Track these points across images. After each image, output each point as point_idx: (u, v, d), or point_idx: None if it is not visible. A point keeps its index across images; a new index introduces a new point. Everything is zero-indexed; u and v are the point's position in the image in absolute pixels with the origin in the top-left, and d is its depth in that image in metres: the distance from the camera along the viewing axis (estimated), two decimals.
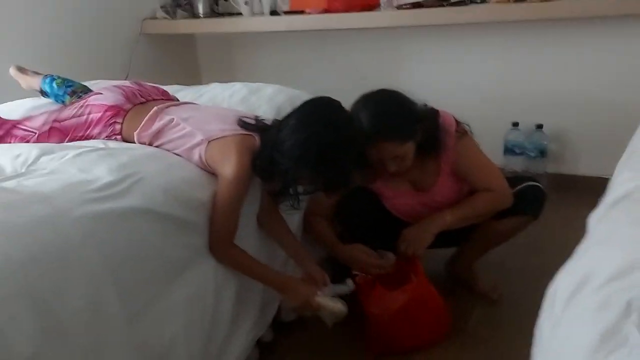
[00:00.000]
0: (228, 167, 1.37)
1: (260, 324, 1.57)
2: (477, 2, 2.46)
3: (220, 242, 1.40)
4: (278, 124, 1.45)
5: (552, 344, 0.67)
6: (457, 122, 1.65)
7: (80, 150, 1.39)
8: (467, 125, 1.67)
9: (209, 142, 1.42)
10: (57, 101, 1.87)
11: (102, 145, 1.47)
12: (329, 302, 1.46)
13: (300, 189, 1.45)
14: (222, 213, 1.38)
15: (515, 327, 1.67)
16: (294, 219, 1.68)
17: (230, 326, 1.43)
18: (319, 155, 1.36)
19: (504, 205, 1.66)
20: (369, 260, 1.62)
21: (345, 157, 1.40)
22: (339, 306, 1.45)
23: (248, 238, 1.49)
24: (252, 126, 1.46)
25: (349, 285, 1.59)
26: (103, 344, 1.07)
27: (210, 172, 1.45)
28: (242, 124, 1.46)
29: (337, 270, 1.67)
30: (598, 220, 0.91)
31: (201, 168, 1.45)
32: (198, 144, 1.43)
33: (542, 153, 2.60)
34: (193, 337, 1.30)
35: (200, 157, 1.43)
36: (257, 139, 1.44)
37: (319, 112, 1.44)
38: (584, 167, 2.61)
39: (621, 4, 2.17)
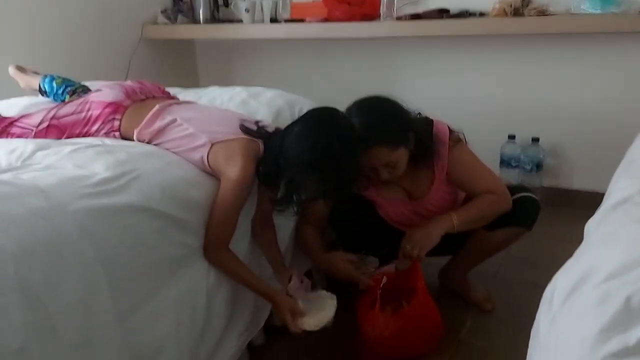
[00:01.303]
0: (233, 170, 1.38)
1: (252, 327, 1.56)
2: (475, 15, 2.49)
3: (216, 244, 1.39)
4: (281, 132, 1.46)
5: (550, 339, 0.67)
6: (451, 131, 1.65)
7: (77, 146, 1.38)
8: (461, 133, 1.68)
9: (213, 144, 1.42)
10: (56, 100, 1.87)
11: (99, 142, 1.47)
12: (308, 320, 1.43)
13: (303, 195, 1.44)
14: (222, 215, 1.38)
15: (508, 338, 1.67)
16: (288, 227, 1.68)
17: (222, 328, 1.42)
18: (326, 161, 1.37)
19: (506, 208, 1.64)
20: (349, 271, 1.58)
21: (350, 163, 1.41)
22: (318, 320, 1.43)
23: (241, 241, 1.49)
24: (255, 132, 1.46)
25: (371, 262, 1.59)
26: (93, 340, 1.06)
27: (209, 174, 1.45)
28: (245, 129, 1.46)
29: (331, 281, 1.67)
30: (597, 224, 0.92)
31: (200, 169, 1.45)
32: (201, 145, 1.43)
33: (538, 166, 2.62)
34: (184, 338, 1.29)
35: (202, 158, 1.43)
36: (261, 146, 1.44)
37: (324, 119, 1.45)
38: (579, 182, 2.63)
39: (618, 20, 2.20)
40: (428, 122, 1.64)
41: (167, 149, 1.49)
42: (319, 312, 1.45)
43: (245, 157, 1.39)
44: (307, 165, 1.36)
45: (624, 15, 2.20)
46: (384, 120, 1.51)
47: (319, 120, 1.44)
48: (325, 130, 1.39)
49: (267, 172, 1.42)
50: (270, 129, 1.52)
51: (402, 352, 1.57)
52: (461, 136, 1.67)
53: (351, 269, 1.58)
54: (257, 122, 1.53)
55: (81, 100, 1.65)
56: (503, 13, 2.39)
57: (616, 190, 1.01)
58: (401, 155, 1.53)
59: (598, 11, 2.24)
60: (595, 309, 0.63)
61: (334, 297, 1.48)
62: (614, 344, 0.57)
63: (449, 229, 1.57)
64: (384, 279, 1.59)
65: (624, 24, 2.21)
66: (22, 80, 2.05)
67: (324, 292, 1.51)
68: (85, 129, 1.60)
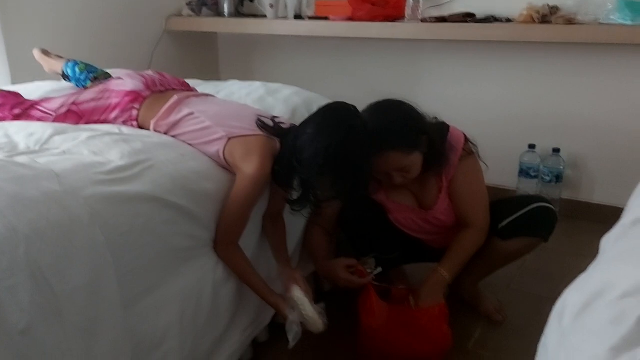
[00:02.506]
0: (250, 166, 1.37)
1: (257, 324, 1.56)
2: (502, 21, 2.46)
3: (226, 239, 1.39)
4: (295, 130, 1.45)
5: (560, 355, 0.65)
6: (466, 140, 1.62)
7: (94, 133, 1.39)
8: (475, 145, 1.64)
9: (230, 139, 1.42)
10: (78, 86, 1.89)
11: (116, 130, 1.48)
12: (310, 317, 1.42)
13: (319, 196, 1.43)
14: (234, 211, 1.38)
15: (518, 351, 1.64)
16: (298, 227, 1.68)
17: (227, 322, 1.42)
18: (340, 163, 1.36)
19: (485, 238, 1.64)
20: (348, 278, 1.57)
21: (363, 164, 1.40)
22: (314, 325, 1.43)
23: (250, 237, 1.49)
24: (271, 129, 1.46)
25: (370, 263, 1.59)
26: (97, 325, 1.06)
27: (224, 168, 1.45)
28: (262, 124, 1.46)
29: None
30: (614, 240, 0.89)
31: (215, 162, 1.45)
32: (218, 139, 1.43)
33: (558, 178, 2.57)
34: (187, 329, 1.29)
35: (218, 152, 1.43)
36: (278, 143, 1.44)
37: (336, 118, 1.43)
38: (600, 196, 2.57)
39: None
40: (444, 128, 1.62)
41: (183, 141, 1.49)
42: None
43: (263, 155, 1.39)
44: (321, 167, 1.35)
45: None
46: (399, 125, 1.49)
47: (333, 120, 1.42)
48: (338, 131, 1.38)
49: (281, 171, 1.41)
50: (286, 126, 1.51)
51: (404, 352, 1.54)
52: (474, 149, 1.63)
53: (350, 276, 1.57)
54: (273, 118, 1.52)
55: (101, 87, 1.67)
56: (530, 20, 2.36)
57: (637, 207, 0.98)
58: (415, 159, 1.51)
59: (629, 22, 2.19)
60: (607, 327, 0.61)
61: (324, 314, 1.45)
62: None
63: (446, 284, 1.61)
64: (379, 269, 1.60)
65: None
66: (47, 64, 2.07)
67: (319, 307, 1.47)
68: (104, 117, 1.61)
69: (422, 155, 1.53)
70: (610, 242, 0.92)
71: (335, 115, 1.45)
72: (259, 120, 1.47)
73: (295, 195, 1.45)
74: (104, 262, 1.09)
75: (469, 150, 1.62)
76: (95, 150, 1.30)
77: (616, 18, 2.23)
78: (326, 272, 1.64)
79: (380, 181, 1.61)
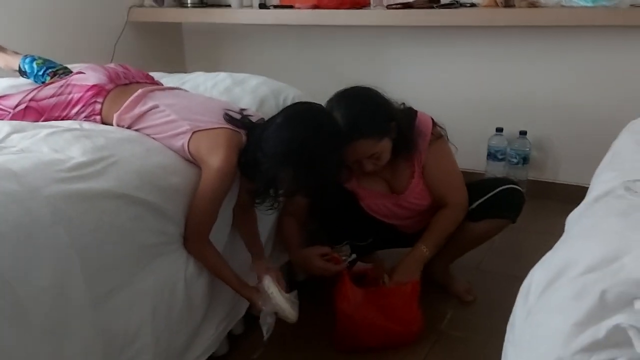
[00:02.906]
0: (215, 159, 1.35)
1: (231, 316, 1.55)
2: (466, 6, 2.47)
3: (196, 235, 1.37)
4: (264, 124, 1.44)
5: (525, 332, 0.66)
6: (434, 125, 1.63)
7: (54, 129, 1.35)
8: (443, 129, 1.66)
9: (194, 132, 1.40)
10: (36, 82, 1.83)
11: (77, 126, 1.43)
12: (283, 307, 1.42)
13: (280, 190, 1.43)
14: (203, 205, 1.36)
15: (489, 330, 1.67)
16: (269, 218, 1.66)
17: (201, 317, 1.41)
18: (302, 156, 1.35)
19: (464, 214, 1.67)
20: (323, 265, 1.58)
21: (327, 161, 1.39)
22: (286, 314, 1.43)
23: (221, 231, 1.47)
24: (239, 122, 1.44)
25: (344, 250, 1.60)
26: (65, 327, 1.04)
27: (190, 162, 1.42)
28: (229, 118, 1.44)
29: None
30: (578, 217, 0.91)
31: (181, 156, 1.43)
32: (183, 133, 1.41)
33: (525, 160, 2.62)
34: (160, 325, 1.27)
35: (183, 145, 1.41)
36: (244, 136, 1.42)
37: (305, 114, 1.44)
38: (565, 175, 2.63)
39: (610, 14, 2.19)
40: (412, 114, 1.62)
41: (148, 135, 1.46)
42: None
43: (228, 148, 1.37)
44: (282, 160, 1.35)
45: (616, 8, 2.18)
46: (367, 113, 1.49)
47: (300, 115, 1.43)
48: (303, 126, 1.38)
49: (246, 163, 1.40)
50: (255, 118, 1.50)
51: (378, 334, 1.56)
52: (443, 132, 1.65)
53: (325, 263, 1.58)
54: (241, 111, 1.50)
55: (62, 82, 1.61)
56: (494, 4, 2.38)
57: (599, 184, 1.01)
58: (385, 146, 1.52)
59: (590, 4, 2.23)
60: (570, 303, 0.63)
61: (296, 302, 1.45)
62: (585, 337, 0.56)
63: (425, 261, 1.62)
64: (353, 256, 1.62)
65: (616, 17, 2.20)
66: (2, 60, 1.99)
67: (291, 297, 1.47)
68: (65, 112, 1.57)
69: (392, 142, 1.54)
70: (573, 219, 0.94)
71: (303, 112, 1.45)
72: (226, 113, 1.45)
73: (257, 187, 1.44)
74: (69, 262, 1.06)
75: (437, 134, 1.64)
76: (56, 147, 1.26)
77: (578, 0, 2.26)
78: (301, 261, 1.64)
79: (351, 169, 1.61)
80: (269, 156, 1.36)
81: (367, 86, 1.56)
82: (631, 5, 2.20)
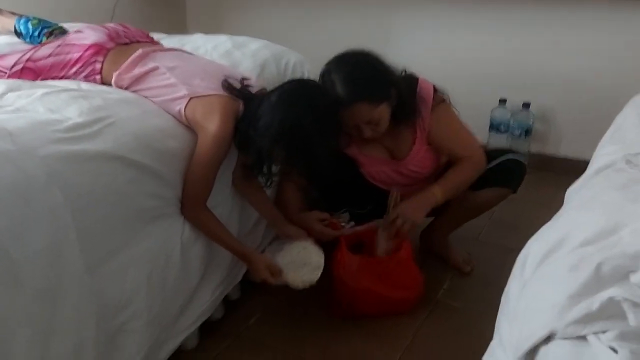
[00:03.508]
0: (212, 125, 1.34)
1: (228, 281, 1.56)
2: None
3: (193, 201, 1.37)
4: (261, 97, 1.41)
5: (520, 304, 0.66)
6: (435, 90, 1.61)
7: (51, 89, 1.32)
8: (446, 94, 1.63)
9: (191, 98, 1.37)
10: (32, 42, 1.79)
11: (74, 86, 1.41)
12: (292, 276, 1.44)
13: (273, 168, 1.42)
14: (199, 171, 1.35)
15: (486, 301, 1.66)
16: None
17: (196, 282, 1.41)
18: (294, 138, 1.34)
19: (482, 171, 1.64)
20: (323, 230, 1.59)
21: (321, 143, 1.36)
22: (300, 279, 1.45)
23: (220, 206, 1.47)
24: (237, 91, 1.41)
25: (343, 217, 1.62)
26: (59, 289, 1.03)
27: (187, 126, 1.40)
28: (228, 85, 1.41)
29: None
30: (577, 190, 0.90)
31: (178, 120, 1.41)
32: (180, 97, 1.38)
33: (527, 132, 2.59)
34: (156, 290, 1.27)
35: (179, 110, 1.39)
36: (241, 106, 1.40)
37: (300, 94, 1.41)
38: (567, 149, 2.61)
39: None
40: (413, 80, 1.59)
41: (146, 97, 1.44)
42: (301, 267, 1.45)
43: (223, 114, 1.35)
44: (274, 139, 1.34)
45: None
46: (365, 76, 1.47)
47: (294, 95, 1.39)
48: (298, 107, 1.35)
49: (240, 136, 1.38)
50: (255, 89, 1.47)
51: (374, 302, 1.58)
52: (445, 97, 1.62)
53: (324, 228, 1.59)
54: (242, 80, 1.47)
55: (59, 41, 1.58)
56: None
57: (600, 156, 0.99)
58: (383, 111, 1.49)
59: None
60: (566, 275, 0.62)
61: (321, 254, 1.47)
62: (579, 309, 0.56)
63: (434, 205, 1.59)
64: (352, 223, 1.63)
65: None
66: None
67: (311, 247, 1.50)
68: (63, 72, 1.53)
69: (391, 108, 1.51)
70: (573, 192, 0.93)
71: (299, 90, 1.42)
72: (225, 81, 1.42)
73: (250, 161, 1.43)
74: (64, 224, 1.06)
75: (439, 99, 1.61)
76: (52, 107, 1.24)
77: None
78: (300, 225, 1.64)
79: (351, 135, 1.59)
80: (261, 135, 1.34)
81: (367, 51, 1.52)
82: None
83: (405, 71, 1.60)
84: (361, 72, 1.47)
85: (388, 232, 1.59)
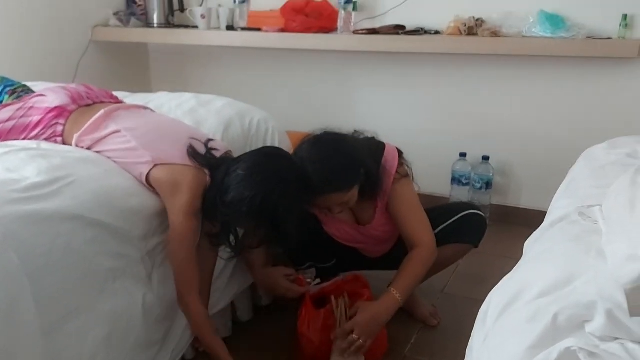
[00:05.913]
0: (180, 201, 1.33)
1: (182, 343, 1.48)
2: (431, 33, 2.53)
3: (185, 288, 1.36)
4: (226, 167, 1.39)
5: (482, 356, 0.66)
6: (400, 163, 1.60)
7: (9, 149, 1.31)
8: (409, 167, 1.64)
9: (155, 164, 1.36)
10: None
11: (34, 146, 1.39)
12: None
13: (240, 239, 1.42)
14: (179, 250, 1.35)
15: (453, 354, 1.66)
16: None
17: (158, 343, 1.37)
18: (265, 214, 1.33)
19: (433, 260, 1.60)
20: (289, 286, 1.58)
21: (290, 213, 1.37)
22: None
23: None
24: (203, 158, 1.40)
25: (309, 273, 1.60)
26: (15, 353, 0.99)
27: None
28: (193, 152, 1.40)
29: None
30: (534, 242, 0.92)
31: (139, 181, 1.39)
32: (143, 163, 1.37)
33: (488, 184, 2.66)
34: (115, 352, 1.23)
35: (141, 175, 1.37)
36: (208, 176, 1.39)
37: (269, 167, 1.39)
38: (527, 200, 2.68)
39: (567, 45, 2.28)
40: (379, 150, 1.59)
41: (107, 157, 1.42)
42: None
43: (191, 189, 1.34)
44: (244, 214, 1.33)
45: (573, 40, 2.27)
46: (339, 169, 1.45)
47: (265, 168, 1.38)
48: (268, 182, 1.34)
49: (207, 206, 1.38)
50: (220, 152, 1.46)
51: None
52: (409, 169, 1.63)
53: (291, 284, 1.58)
54: (207, 142, 1.46)
55: (20, 104, 1.56)
56: (457, 32, 2.44)
57: (555, 209, 1.03)
58: (354, 193, 1.50)
59: (549, 35, 2.31)
60: (524, 326, 0.63)
61: None
62: None
63: (396, 310, 1.53)
64: (317, 280, 1.62)
65: (573, 48, 2.29)
66: None
67: None
68: (24, 135, 1.50)
69: (359, 186, 1.51)
70: (530, 244, 0.95)
71: (268, 163, 1.40)
72: (191, 147, 1.40)
73: (216, 231, 1.42)
74: (19, 287, 1.02)
75: (403, 173, 1.61)
76: (10, 166, 1.22)
77: (538, 31, 2.34)
78: (266, 281, 1.61)
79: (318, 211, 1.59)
80: (231, 210, 1.34)
81: (336, 132, 1.53)
82: (587, 37, 2.29)
83: (373, 138, 1.62)
84: (336, 164, 1.45)
85: (341, 348, 1.48)
